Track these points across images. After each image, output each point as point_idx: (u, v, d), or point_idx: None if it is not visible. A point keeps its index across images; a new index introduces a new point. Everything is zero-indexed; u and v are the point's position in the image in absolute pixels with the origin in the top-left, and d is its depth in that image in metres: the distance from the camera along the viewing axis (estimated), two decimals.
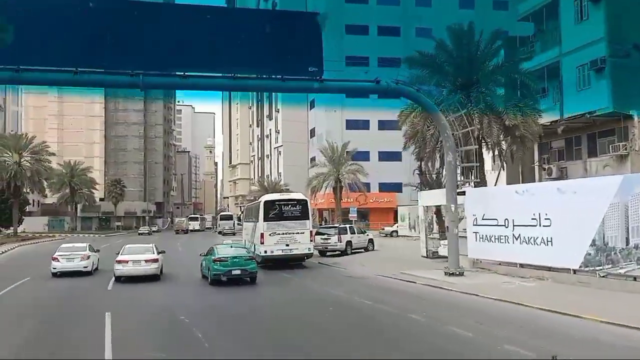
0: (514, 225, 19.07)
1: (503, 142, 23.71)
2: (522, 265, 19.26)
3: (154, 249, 22.29)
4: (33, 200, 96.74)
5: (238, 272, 19.32)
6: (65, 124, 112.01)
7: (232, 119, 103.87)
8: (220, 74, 18.48)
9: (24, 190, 62.25)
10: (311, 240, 28.50)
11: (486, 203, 20.44)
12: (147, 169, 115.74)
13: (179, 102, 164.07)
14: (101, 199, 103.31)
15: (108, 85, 25.63)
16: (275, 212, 28.30)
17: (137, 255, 21.33)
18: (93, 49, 16.94)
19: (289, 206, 28.54)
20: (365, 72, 20.07)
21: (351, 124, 56.84)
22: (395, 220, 55.64)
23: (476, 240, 21.01)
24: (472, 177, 21.73)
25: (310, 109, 66.39)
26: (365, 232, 33.82)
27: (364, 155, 55.24)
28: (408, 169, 59.87)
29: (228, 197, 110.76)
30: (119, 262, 20.86)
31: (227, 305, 15.81)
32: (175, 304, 16.07)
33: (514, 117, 22.46)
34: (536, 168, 28.80)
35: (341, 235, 30.34)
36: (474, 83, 23.58)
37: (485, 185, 24.26)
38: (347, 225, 32.41)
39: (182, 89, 23.00)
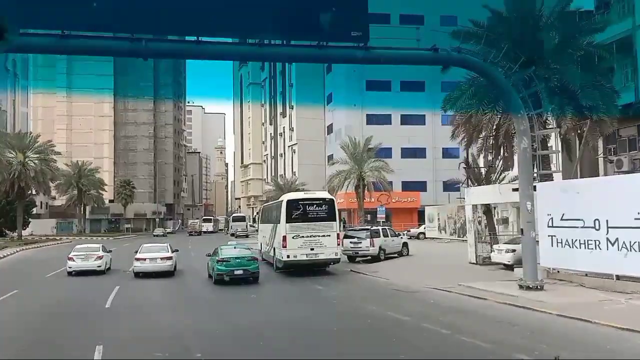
0: (608, 227, 15.12)
1: (575, 128, 19.63)
2: (618, 278, 15.29)
3: (169, 248, 24.25)
4: (41, 202, 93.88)
5: (240, 272, 19.95)
6: (74, 124, 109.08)
7: (243, 118, 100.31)
8: (240, 40, 14.66)
9: (29, 191, 58.90)
10: (338, 244, 24.75)
11: (567, 200, 16.49)
12: (157, 169, 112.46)
13: (189, 102, 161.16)
14: (111, 201, 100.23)
15: (100, 53, 21.14)
16: (299, 212, 24.67)
17: (153, 253, 23.30)
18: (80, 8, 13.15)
19: (314, 206, 24.86)
20: (418, 40, 15.96)
21: (372, 119, 52.95)
22: (420, 221, 51.68)
23: (552, 245, 17.06)
24: (541, 168, 17.69)
25: (327, 104, 62.55)
26: (400, 235, 29.84)
27: (386, 152, 51.29)
28: (432, 166, 56.04)
29: (240, 198, 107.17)
30: (138, 259, 22.85)
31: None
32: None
33: (590, 98, 18.45)
34: (600, 160, 24.70)
35: (374, 239, 26.45)
36: (538, 59, 19.57)
37: (552, 180, 20.27)
38: (380, 227, 28.45)
39: (194, 57, 18.97)
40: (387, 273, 22.70)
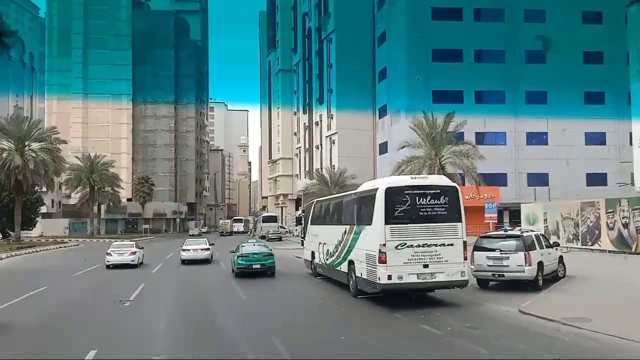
0: None
1: None
2: None
3: (207, 241, 31.60)
4: (52, 201, 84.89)
5: (258, 266, 21.68)
6: (90, 117, 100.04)
7: (272, 108, 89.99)
8: None
9: (30, 186, 49.18)
10: (465, 258, 14.24)
11: None
12: (178, 166, 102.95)
13: (211, 99, 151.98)
14: (129, 200, 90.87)
15: None
16: (406, 207, 14.42)
17: (195, 245, 30.03)
18: None
19: (428, 197, 14.65)
20: None
21: (440, 97, 42.00)
22: (499, 222, 40.40)
23: None
24: None
25: (379, 82, 51.77)
26: (554, 245, 18.73)
27: (458, 137, 40.27)
28: (513, 155, 44.88)
29: (267, 197, 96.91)
30: (184, 250, 29.10)
31: None
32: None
33: None
34: None
35: (530, 253, 15.59)
36: None
37: None
38: (533, 233, 17.39)
39: None
40: (579, 317, 11.62)
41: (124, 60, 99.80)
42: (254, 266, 21.57)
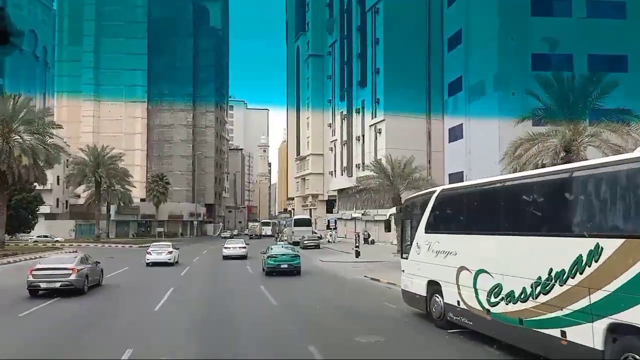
0: None
1: None
2: None
3: (243, 242, 37.26)
4: (57, 200, 75.39)
5: (285, 266, 22.99)
6: (103, 111, 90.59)
7: (300, 98, 79.42)
8: None
9: (17, 179, 39.07)
10: None
11: None
12: (196, 164, 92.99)
13: (230, 97, 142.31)
14: (142, 200, 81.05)
15: None
16: None
17: (234, 244, 35.51)
18: None
19: None
20: None
21: (543, 62, 30.85)
22: None
23: None
24: None
25: (449, 50, 40.82)
26: None
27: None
28: None
29: (293, 198, 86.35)
30: (226, 248, 34.59)
31: None
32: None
33: None
34: None
35: None
36: None
37: None
38: None
39: None
40: None
41: (138, 49, 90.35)
42: (282, 266, 22.97)
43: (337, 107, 62.16)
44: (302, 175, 78.25)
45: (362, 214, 55.25)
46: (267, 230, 78.93)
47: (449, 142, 38.53)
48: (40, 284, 16.49)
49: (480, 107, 33.11)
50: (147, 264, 28.06)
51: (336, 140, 62.15)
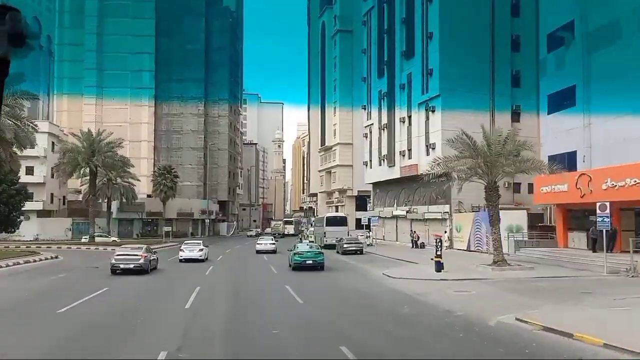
0: None
1: None
2: None
3: (273, 238, 42.04)
4: (52, 195, 66.02)
5: (311, 262, 24.40)
6: (106, 98, 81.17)
7: (326, 80, 69.32)
8: None
9: None
10: None
11: None
12: (208, 157, 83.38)
13: (243, 90, 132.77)
14: (149, 196, 71.60)
15: None
16: None
17: (265, 241, 39.35)
18: None
19: None
20: None
21: None
22: None
23: None
24: None
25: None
26: None
27: None
28: None
29: (316, 195, 76.33)
30: (258, 244, 38.35)
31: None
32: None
33: None
34: None
35: None
36: None
37: None
38: None
39: None
40: None
41: (145, 30, 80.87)
42: (307, 262, 24.42)
43: (373, 86, 52.01)
44: (328, 168, 68.21)
45: (407, 212, 45.08)
46: (290, 229, 77.23)
47: (549, 114, 28.19)
48: (120, 265, 22.66)
49: (610, 57, 22.88)
50: (180, 260, 29.55)
51: (372, 124, 52.02)
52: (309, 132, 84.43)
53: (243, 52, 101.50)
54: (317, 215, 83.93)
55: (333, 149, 65.49)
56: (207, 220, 72.56)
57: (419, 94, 42.89)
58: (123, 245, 29.74)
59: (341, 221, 43.59)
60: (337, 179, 64.50)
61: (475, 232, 34.09)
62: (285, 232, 74.96)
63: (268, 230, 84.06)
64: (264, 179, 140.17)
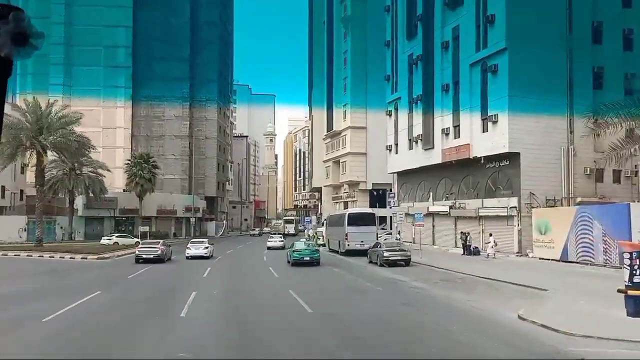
0: None
1: None
2: None
3: (282, 236, 45.38)
4: (2, 189, 54.05)
5: (307, 258, 25.77)
6: (75, 77, 69.21)
7: (334, 49, 58.01)
8: None
9: None
10: None
11: None
12: (194, 146, 71.89)
13: (235, 82, 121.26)
14: (125, 191, 60.03)
15: None
16: None
17: (275, 238, 42.53)
18: None
19: None
20: None
21: None
22: None
23: None
24: None
25: None
26: None
27: None
28: None
29: (320, 189, 65.09)
30: (269, 241, 41.09)
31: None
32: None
33: None
34: None
35: None
36: None
37: None
38: None
39: None
40: None
41: (121, 0, 69.24)
42: (304, 259, 25.76)
43: (400, 50, 41.06)
44: (336, 157, 57.08)
45: (452, 207, 34.12)
46: (290, 229, 72.53)
47: None
48: (142, 255, 27.49)
49: None
50: (187, 257, 29.94)
51: (399, 98, 41.04)
52: (310, 115, 73.06)
53: (234, 31, 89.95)
54: (318, 213, 73.53)
55: (342, 134, 54.41)
56: (192, 219, 61.11)
57: (471, 52, 32.03)
58: (144, 241, 34.50)
59: (368, 219, 32.61)
60: (348, 170, 53.45)
61: (579, 236, 23.25)
62: (286, 232, 68.97)
63: (266, 229, 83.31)
64: (255, 175, 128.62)
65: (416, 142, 37.72)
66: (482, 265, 24.35)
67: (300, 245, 27.39)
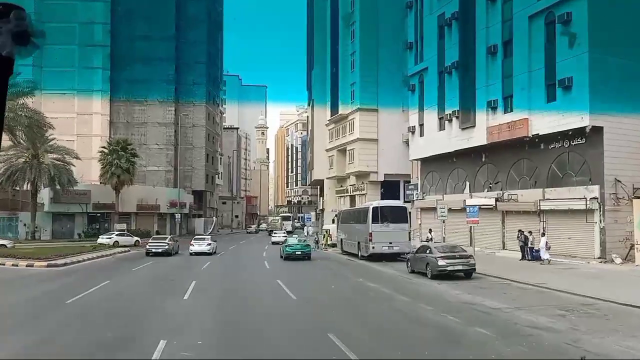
0: None
1: None
2: None
3: (285, 232, 50.11)
4: None
5: (299, 253, 26.81)
6: (47, 55, 60.89)
7: (339, 15, 50.40)
8: None
9: None
10: None
11: None
12: (180, 135, 64.14)
13: (225, 72, 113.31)
14: (102, 183, 52.04)
15: None
16: None
17: (279, 233, 46.47)
18: None
19: None
20: None
21: None
22: None
23: None
24: None
25: None
26: None
27: None
28: None
29: (322, 181, 57.60)
30: (273, 236, 43.87)
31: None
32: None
33: None
34: None
35: None
36: None
37: None
38: None
39: None
40: None
41: None
42: (296, 253, 26.70)
43: (427, 10, 33.80)
44: (342, 144, 49.73)
45: (498, 199, 26.99)
46: (288, 226, 68.46)
47: None
48: (152, 249, 29.78)
49: None
50: (191, 254, 30.62)
51: (425, 68, 33.79)
52: (309, 100, 65.47)
53: (223, 14, 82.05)
54: (319, 209, 65.60)
55: (350, 117, 47.05)
56: (177, 215, 53.56)
57: (530, 0, 24.87)
58: (154, 237, 37.46)
59: (399, 215, 25.49)
60: (356, 159, 46.14)
61: None
62: (284, 229, 62.73)
63: (264, 226, 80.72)
64: (246, 169, 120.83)
65: (450, 121, 30.54)
66: (577, 277, 17.26)
67: (291, 241, 29.37)
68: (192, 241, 32.67)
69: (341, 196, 52.07)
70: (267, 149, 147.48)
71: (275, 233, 47.01)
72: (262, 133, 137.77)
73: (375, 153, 45.32)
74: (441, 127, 31.81)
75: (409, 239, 25.20)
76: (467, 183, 30.57)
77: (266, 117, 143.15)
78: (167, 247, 30.24)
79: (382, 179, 45.47)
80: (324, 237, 35.86)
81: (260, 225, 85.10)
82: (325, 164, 54.35)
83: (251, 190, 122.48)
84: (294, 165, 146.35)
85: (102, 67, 61.93)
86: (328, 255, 31.74)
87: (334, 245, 34.96)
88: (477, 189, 29.78)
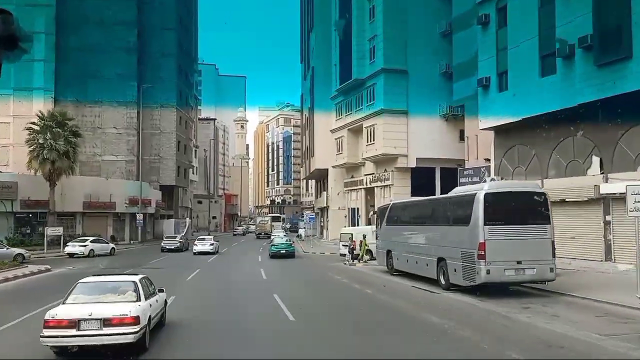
0: None
1: None
2: None
3: (285, 232, 49.58)
4: None
5: (284, 251, 29.16)
6: None
7: None
8: None
9: None
10: None
11: None
12: (144, 117, 50.80)
13: (201, 62, 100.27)
14: (32, 172, 38.33)
15: None
16: None
17: (279, 233, 44.77)
18: None
19: None
20: None
21: None
22: None
23: None
24: None
25: None
26: None
27: None
28: None
29: (326, 170, 44.96)
30: (273, 238, 37.45)
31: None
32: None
33: None
34: None
35: None
36: None
37: None
38: None
39: None
40: None
41: None
42: (281, 251, 29.16)
43: None
44: (355, 121, 37.33)
45: None
46: (278, 227, 64.55)
47: None
48: (166, 246, 34.88)
49: None
50: (194, 253, 32.55)
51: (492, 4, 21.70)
52: (307, 67, 52.64)
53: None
54: (316, 208, 52.44)
55: (369, 83, 34.82)
56: (139, 215, 40.34)
57: None
58: (167, 236, 39.44)
59: (531, 208, 13.39)
60: (379, 139, 33.92)
61: None
62: (274, 230, 58.45)
63: (252, 228, 75.19)
64: (224, 166, 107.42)
65: (569, 56, 18.50)
66: None
67: (277, 240, 32.01)
68: (196, 241, 35.06)
69: (350, 189, 39.88)
70: (247, 145, 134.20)
71: (274, 234, 44.29)
72: (242, 126, 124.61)
73: (405, 130, 33.30)
74: (546, 71, 19.80)
75: (553, 254, 13.12)
76: (595, 159, 18.67)
77: (245, 110, 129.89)
78: (177, 244, 35.19)
79: (413, 164, 33.48)
80: (360, 245, 23.42)
81: (250, 227, 77.62)
82: (330, 149, 42.05)
83: (230, 188, 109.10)
84: (276, 163, 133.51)
85: (45, 32, 48.25)
86: (363, 274, 19.53)
87: (357, 257, 22.70)
88: (619, 167, 17.87)
